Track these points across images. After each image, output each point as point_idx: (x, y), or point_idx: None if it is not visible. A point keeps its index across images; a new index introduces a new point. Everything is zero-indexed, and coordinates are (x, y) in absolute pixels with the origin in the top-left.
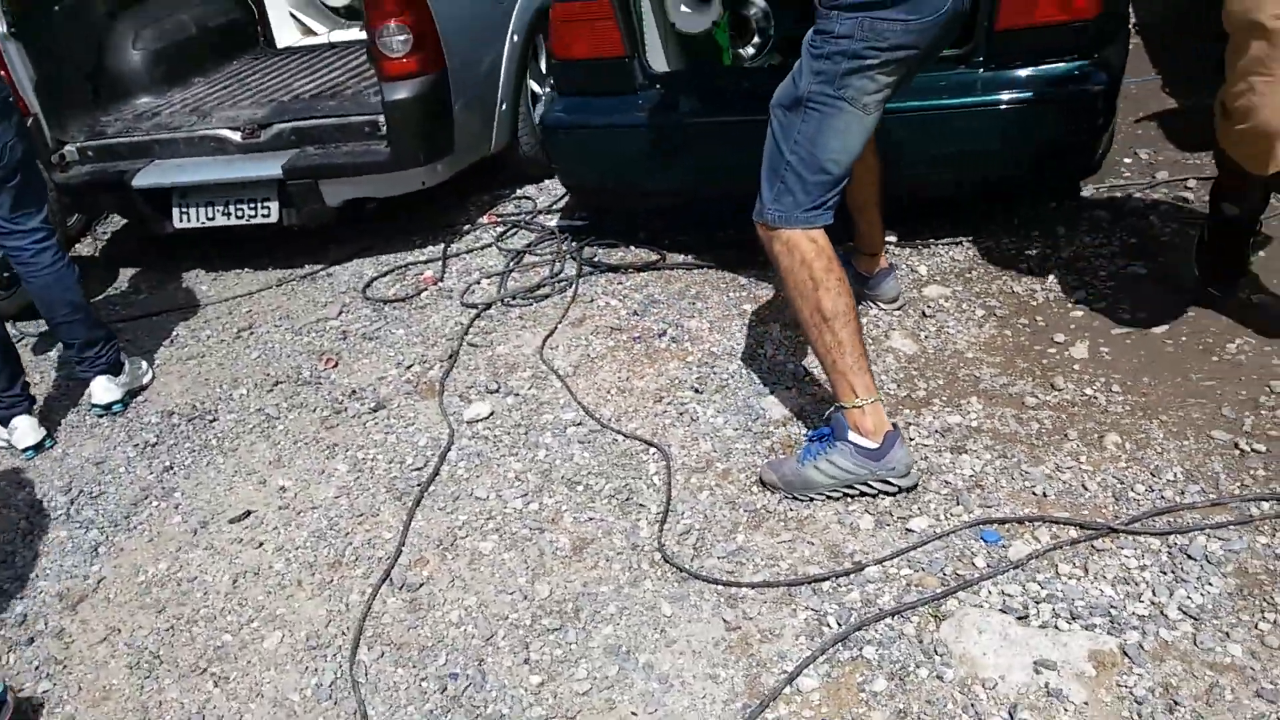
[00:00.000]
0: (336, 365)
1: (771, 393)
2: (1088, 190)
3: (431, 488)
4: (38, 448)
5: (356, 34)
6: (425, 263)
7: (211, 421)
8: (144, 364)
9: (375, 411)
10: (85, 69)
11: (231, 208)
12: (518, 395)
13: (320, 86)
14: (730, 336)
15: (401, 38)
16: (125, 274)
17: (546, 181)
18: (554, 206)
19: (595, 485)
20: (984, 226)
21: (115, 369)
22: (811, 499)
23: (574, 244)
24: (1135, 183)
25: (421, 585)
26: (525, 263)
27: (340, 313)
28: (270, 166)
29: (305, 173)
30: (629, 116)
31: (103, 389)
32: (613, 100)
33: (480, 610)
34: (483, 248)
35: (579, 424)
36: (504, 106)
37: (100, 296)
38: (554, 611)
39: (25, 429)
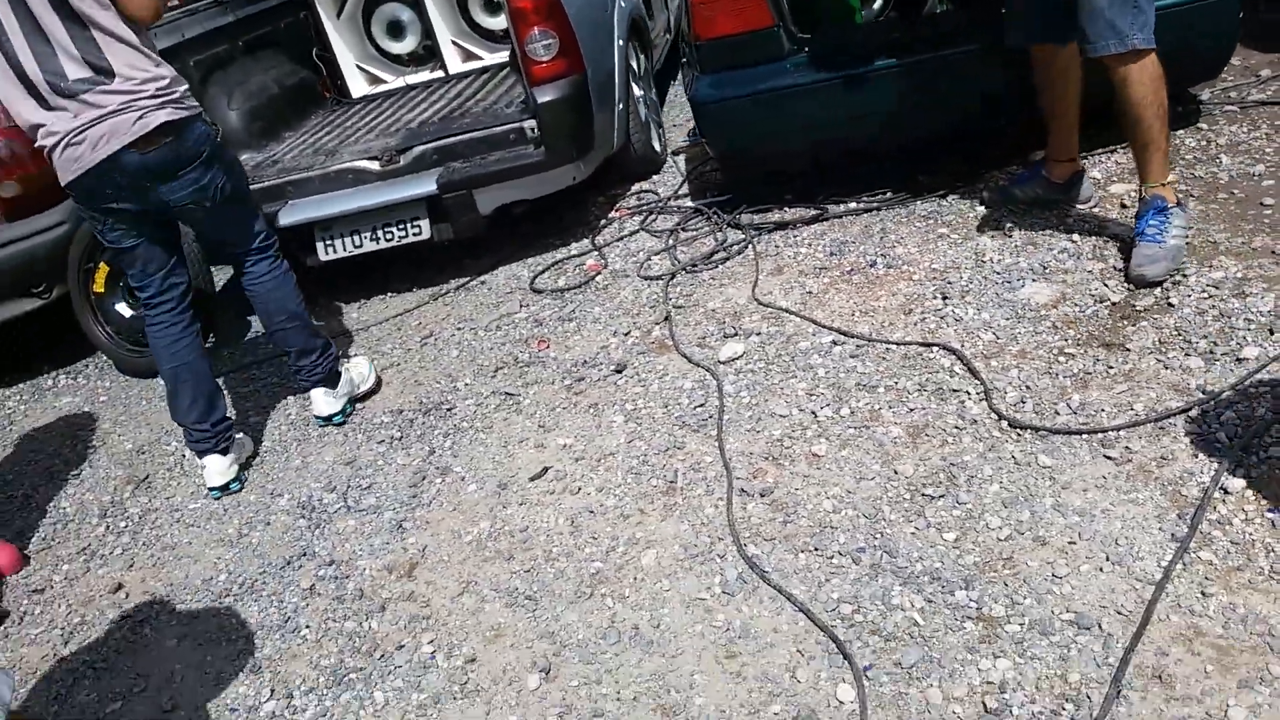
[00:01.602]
0: (549, 346)
1: (1022, 286)
2: (1204, 94)
3: (725, 416)
4: (224, 489)
5: (426, 75)
6: (578, 256)
7: (449, 410)
8: (365, 367)
9: (619, 373)
10: None
11: (379, 232)
12: (759, 334)
13: (439, 112)
14: (944, 255)
15: (547, 43)
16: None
17: (656, 176)
18: (679, 193)
19: (897, 385)
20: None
21: (332, 380)
22: (1128, 349)
23: (727, 214)
24: (1243, 82)
25: (771, 491)
26: (682, 239)
27: (521, 306)
28: (423, 185)
29: (461, 184)
30: (782, 81)
31: (323, 401)
32: (763, 69)
33: (852, 496)
34: (631, 234)
35: (840, 344)
36: (620, 106)
37: (247, 338)
38: (929, 483)
39: (214, 469)
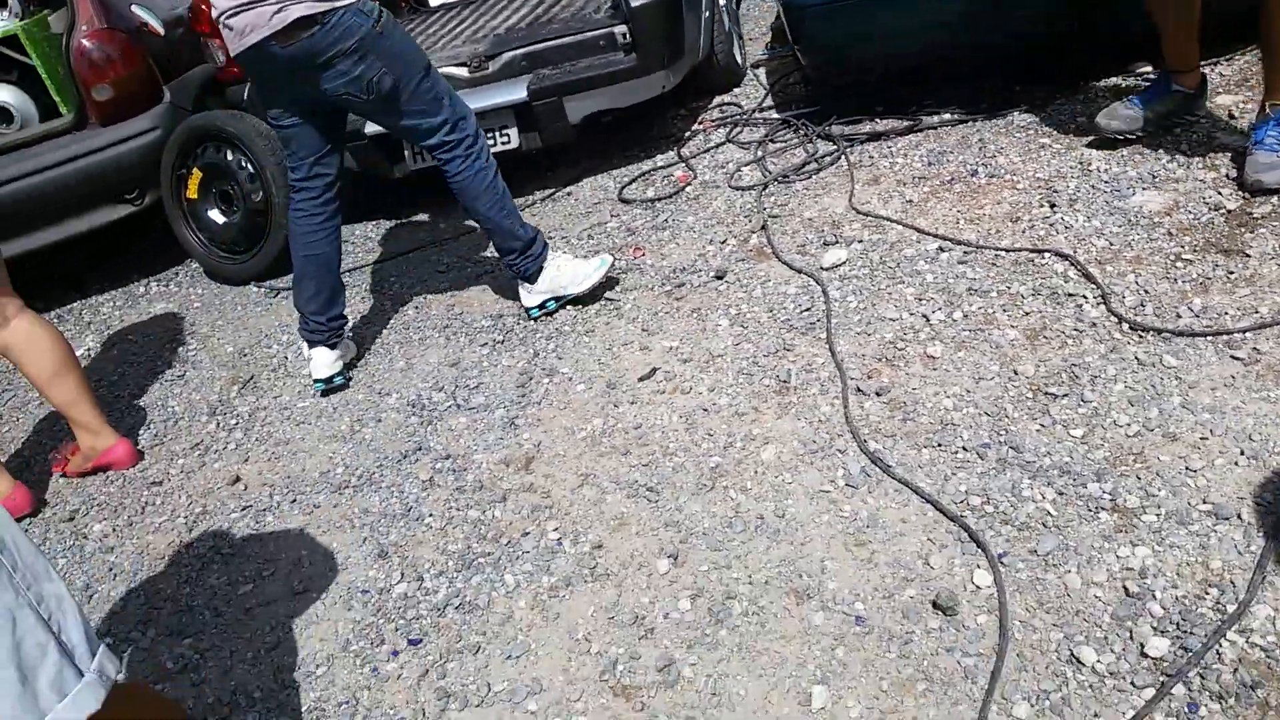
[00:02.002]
0: (645, 253)
1: (1132, 194)
2: None
3: (833, 320)
4: (328, 382)
5: None
6: (664, 168)
7: (551, 313)
8: (583, 271)
9: (719, 279)
10: None
11: None
12: (861, 242)
13: (524, 18)
14: (1047, 164)
15: None
16: (354, 228)
17: (737, 90)
18: (763, 105)
19: (1009, 290)
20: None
21: (532, 276)
22: (1247, 254)
23: (817, 125)
24: None
25: (888, 390)
26: (771, 150)
27: (612, 216)
28: (512, 91)
29: (551, 91)
30: None
31: (522, 293)
32: None
33: (972, 395)
34: (717, 146)
35: (946, 250)
36: (706, 14)
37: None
38: (1052, 383)
39: (320, 361)
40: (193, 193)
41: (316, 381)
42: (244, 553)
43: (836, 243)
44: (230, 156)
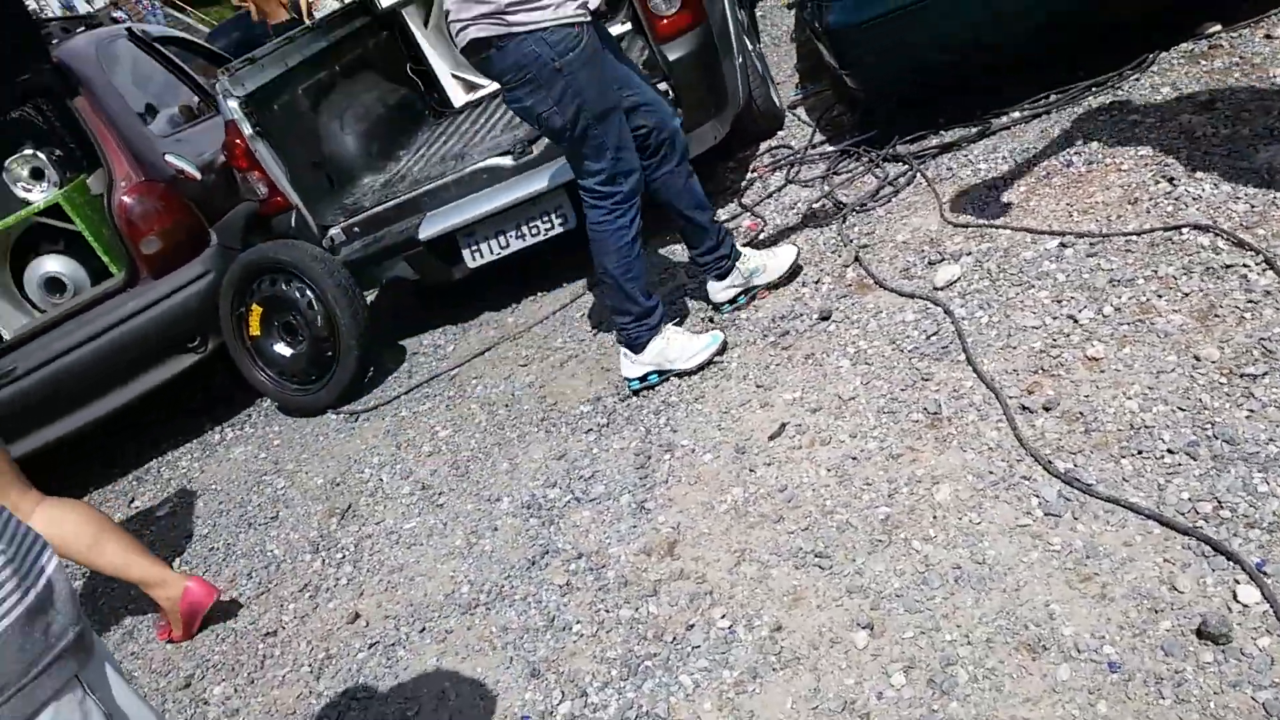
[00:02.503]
0: (768, 295)
1: (1256, 153)
2: None
3: (968, 339)
4: (642, 380)
5: None
6: (728, 220)
7: (652, 388)
8: (774, 260)
9: (825, 320)
10: (314, 159)
11: (524, 228)
12: (970, 254)
13: None
14: (1146, 139)
15: None
16: (420, 340)
17: (781, 132)
18: (815, 141)
19: (1157, 274)
20: None
21: (721, 276)
22: None
23: (881, 150)
24: None
25: (1056, 403)
26: (837, 183)
27: (690, 277)
28: (562, 171)
29: None
30: None
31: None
32: None
33: (1156, 392)
34: (779, 190)
35: (1069, 246)
36: (740, 59)
37: (407, 359)
38: (1243, 362)
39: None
40: (255, 329)
41: (629, 381)
42: (381, 694)
43: (943, 260)
44: (288, 286)
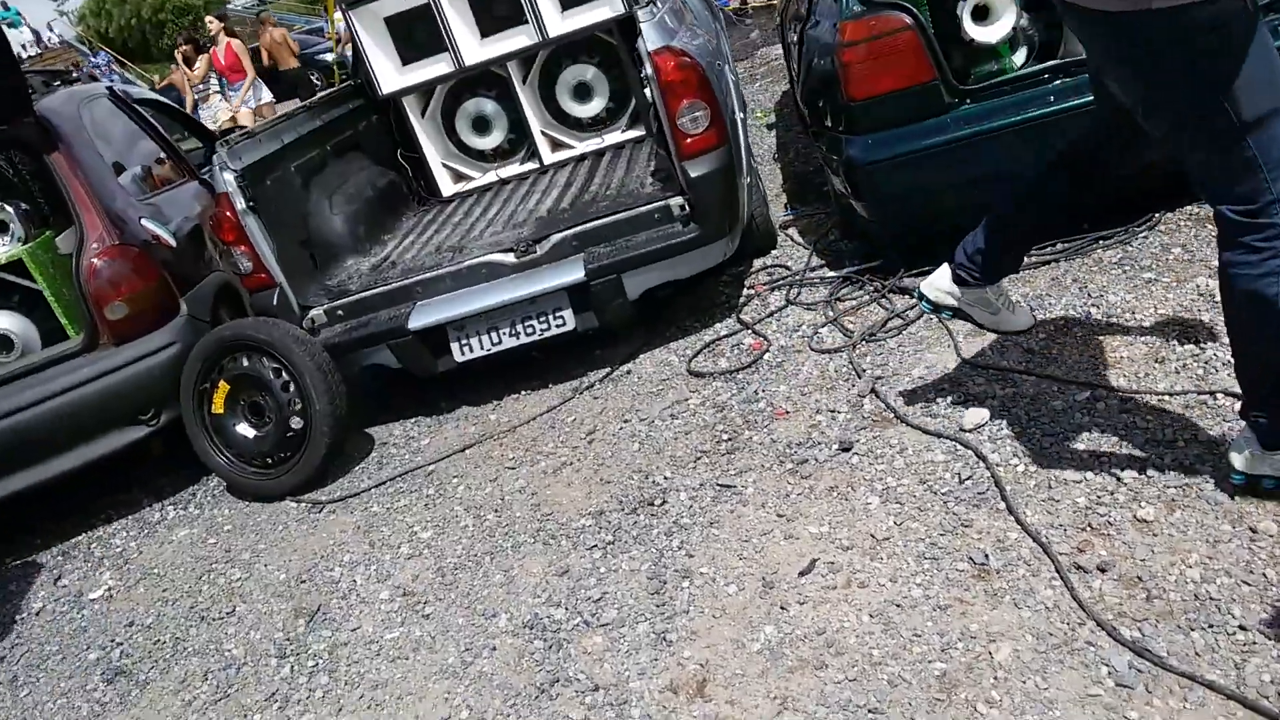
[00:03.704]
0: (787, 414)
1: None
2: None
3: (1006, 487)
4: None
5: (518, 168)
6: (728, 336)
7: (660, 507)
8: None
9: (846, 451)
10: (300, 237)
11: (519, 327)
12: (995, 398)
13: (562, 198)
14: (1163, 299)
15: (697, 115)
16: (391, 429)
17: (775, 251)
18: (812, 264)
19: (1196, 438)
20: None
21: None
22: None
23: (887, 280)
24: None
25: (1112, 565)
26: (842, 309)
27: (691, 391)
28: (567, 273)
29: (610, 269)
30: (945, 136)
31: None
32: (925, 125)
33: (1215, 562)
34: (779, 310)
35: (1100, 400)
36: (748, 179)
37: (376, 449)
38: None
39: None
40: (219, 407)
41: (922, 301)
42: None
43: (966, 401)
44: (263, 365)
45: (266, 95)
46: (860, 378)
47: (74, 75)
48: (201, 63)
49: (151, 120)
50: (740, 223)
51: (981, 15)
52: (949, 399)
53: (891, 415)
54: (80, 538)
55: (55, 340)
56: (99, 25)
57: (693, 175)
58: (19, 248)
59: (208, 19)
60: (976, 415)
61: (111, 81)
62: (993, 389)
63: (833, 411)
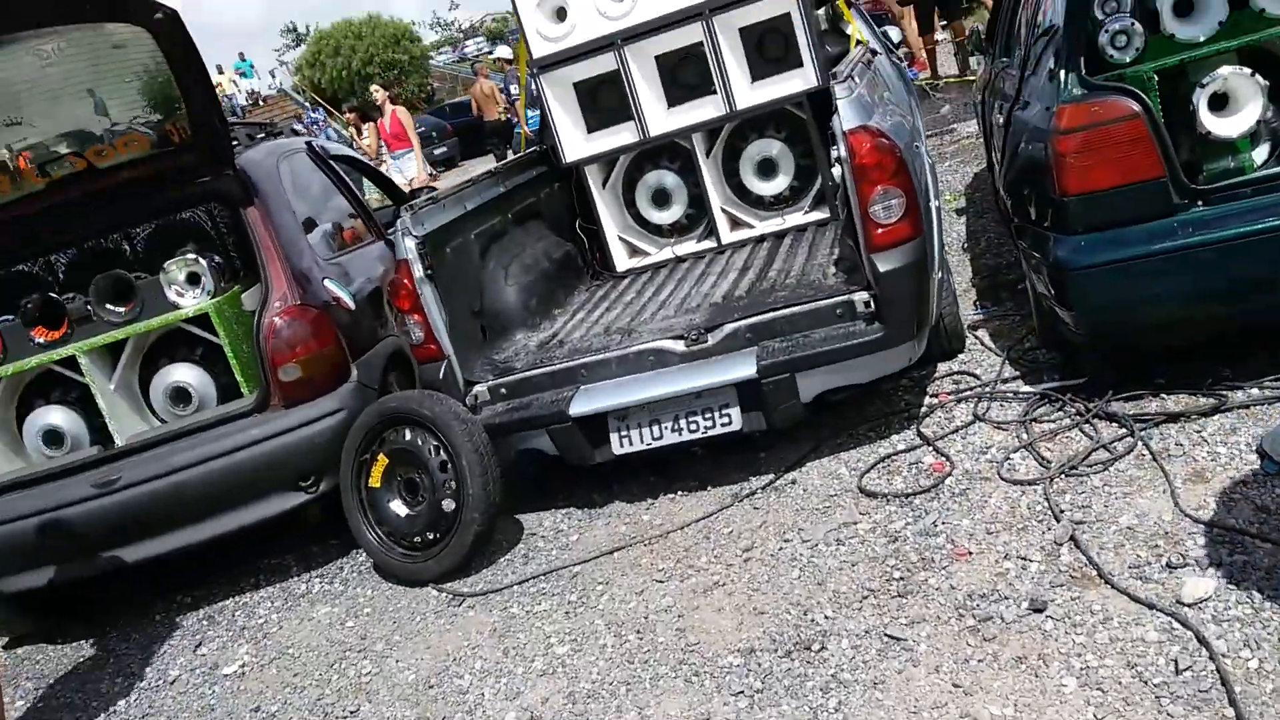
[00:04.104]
0: (969, 555)
1: None
2: None
3: (1236, 688)
4: None
5: (695, 245)
6: (905, 451)
7: (818, 654)
8: None
9: (1038, 613)
10: (474, 306)
11: (683, 421)
12: (1221, 565)
13: (741, 285)
14: None
15: (891, 204)
16: (541, 519)
17: (962, 355)
18: (1004, 375)
19: None
20: None
21: None
22: None
23: (1093, 403)
24: None
25: None
26: (1037, 432)
27: (861, 514)
28: (738, 367)
29: (784, 367)
30: (1177, 241)
31: None
32: (1149, 227)
33: None
34: (965, 426)
35: None
36: (940, 274)
37: (523, 540)
38: None
39: None
40: (375, 480)
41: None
42: None
43: (1186, 565)
44: (422, 442)
45: (426, 169)
46: (1058, 520)
47: (277, 128)
48: (369, 134)
49: (345, 177)
50: (929, 324)
51: (1220, 104)
52: (1164, 560)
53: (1094, 573)
54: (227, 602)
55: (230, 396)
56: (313, 76)
57: (881, 269)
58: (207, 301)
59: (373, 88)
60: (1199, 587)
61: (326, 137)
62: (1219, 553)
63: (1023, 559)
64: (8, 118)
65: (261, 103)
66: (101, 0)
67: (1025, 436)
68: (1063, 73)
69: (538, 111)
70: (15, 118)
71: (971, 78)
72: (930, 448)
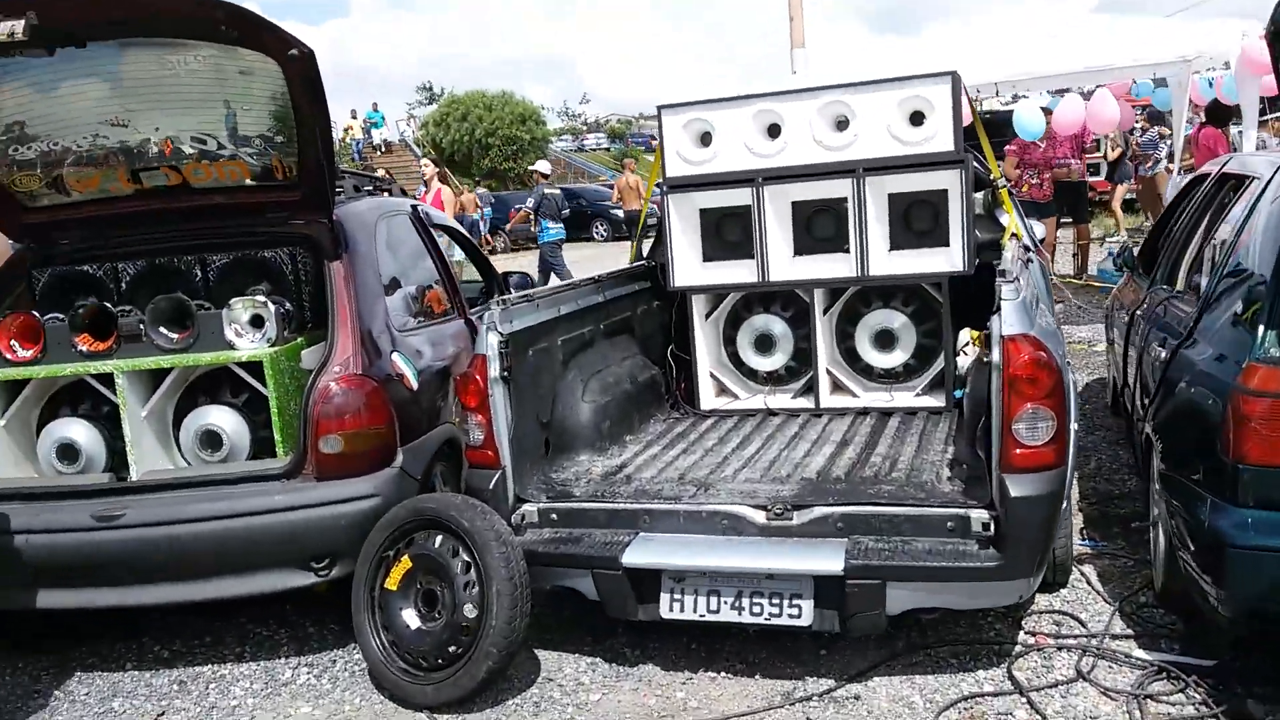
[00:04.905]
0: None
1: None
2: None
3: None
4: None
5: (790, 402)
6: (993, 695)
7: None
8: None
9: None
10: (543, 416)
11: (746, 600)
12: None
13: (840, 461)
14: None
15: (1043, 424)
16: (561, 663)
17: (1064, 590)
18: (1115, 631)
19: None
20: None
21: None
22: None
23: (1225, 694)
24: None
25: None
26: (1153, 711)
27: None
28: (823, 558)
29: (875, 573)
30: None
31: None
32: None
33: None
34: (1067, 683)
35: None
36: (1067, 503)
37: (538, 684)
38: None
39: None
40: (393, 583)
41: None
42: None
43: None
44: (453, 555)
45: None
46: None
47: (388, 184)
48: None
49: (441, 248)
50: (1048, 562)
51: None
52: None
53: None
54: (204, 669)
55: (263, 453)
56: (437, 134)
57: (1013, 493)
58: (265, 349)
59: (424, 160)
60: None
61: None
62: None
63: None
64: (115, 117)
65: (385, 150)
66: (243, 26)
67: (1138, 713)
68: (1261, 328)
69: (560, 224)
70: (123, 119)
71: (1084, 282)
72: (1023, 698)
